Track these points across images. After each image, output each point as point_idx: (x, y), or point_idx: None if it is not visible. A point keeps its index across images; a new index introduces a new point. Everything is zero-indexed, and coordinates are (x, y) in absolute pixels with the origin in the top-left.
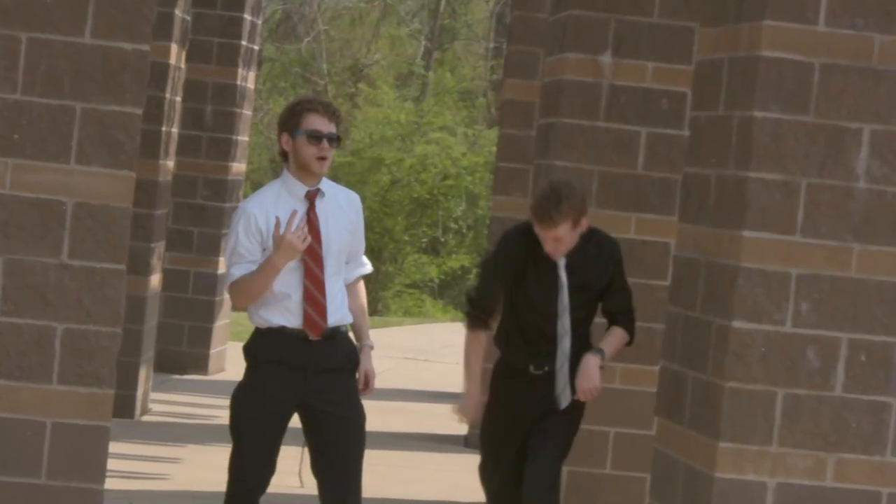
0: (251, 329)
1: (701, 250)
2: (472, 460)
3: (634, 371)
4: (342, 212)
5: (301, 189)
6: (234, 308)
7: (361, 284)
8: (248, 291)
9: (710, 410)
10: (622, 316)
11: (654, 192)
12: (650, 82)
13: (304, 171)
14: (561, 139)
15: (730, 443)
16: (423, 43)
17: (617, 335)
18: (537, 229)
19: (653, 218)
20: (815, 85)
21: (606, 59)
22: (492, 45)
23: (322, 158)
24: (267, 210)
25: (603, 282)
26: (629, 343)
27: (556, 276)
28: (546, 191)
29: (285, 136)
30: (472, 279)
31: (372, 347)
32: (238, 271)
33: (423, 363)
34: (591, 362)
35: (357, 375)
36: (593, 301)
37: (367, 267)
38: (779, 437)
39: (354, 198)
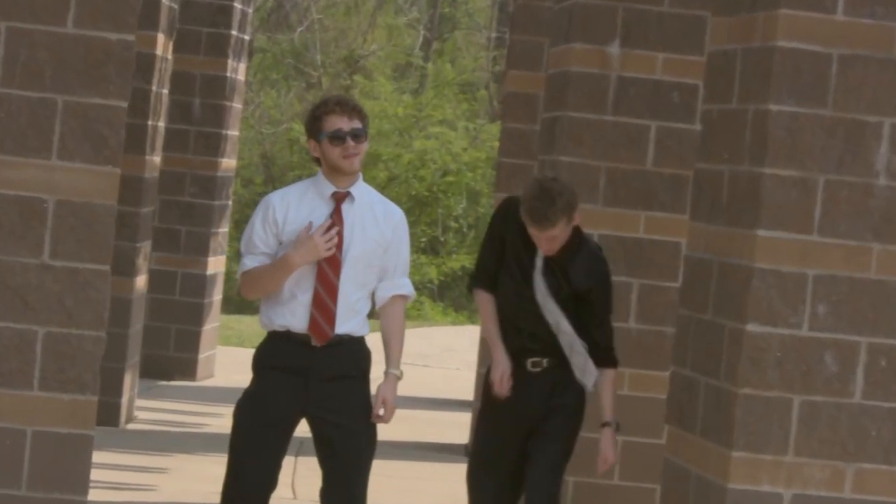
0: (242, 333)
1: (713, 250)
2: None
3: (644, 377)
4: (374, 222)
5: (329, 189)
6: (241, 294)
7: (399, 307)
8: (259, 284)
9: (722, 418)
10: (608, 353)
11: (664, 190)
12: (660, 74)
13: (336, 173)
14: (566, 134)
15: (744, 452)
16: (422, 32)
17: (611, 383)
18: (531, 231)
19: (663, 216)
20: (832, 77)
21: (614, 49)
22: (494, 34)
23: (349, 156)
24: (289, 204)
25: (580, 290)
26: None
27: (532, 263)
28: (535, 191)
29: (312, 143)
30: None
31: (398, 377)
32: (251, 262)
33: (422, 369)
34: (613, 440)
35: (374, 397)
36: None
37: (406, 289)
38: (795, 446)
39: (396, 213)
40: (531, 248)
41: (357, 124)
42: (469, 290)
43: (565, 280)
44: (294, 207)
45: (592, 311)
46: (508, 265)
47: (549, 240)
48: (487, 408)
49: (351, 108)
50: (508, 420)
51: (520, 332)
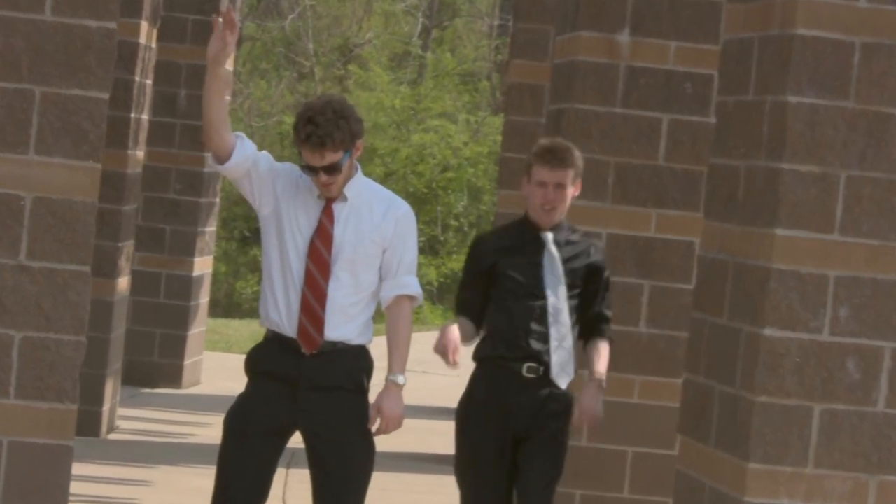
0: (230, 338)
1: (728, 250)
2: None
3: (655, 384)
4: (371, 220)
5: (316, 189)
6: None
7: (404, 309)
8: (203, 107)
9: (738, 428)
10: (606, 324)
11: (677, 186)
12: (672, 64)
13: None
14: (573, 127)
15: (760, 464)
16: (421, 20)
17: (605, 349)
18: (540, 174)
19: (675, 214)
20: (855, 66)
21: (624, 37)
22: (496, 22)
23: (325, 185)
24: (293, 177)
25: (591, 260)
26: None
27: (542, 252)
28: (551, 138)
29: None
30: None
31: (398, 384)
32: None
33: (420, 375)
34: (597, 391)
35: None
36: (581, 280)
37: (410, 288)
38: (815, 457)
39: (400, 209)
40: (539, 242)
41: (332, 158)
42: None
43: (576, 256)
44: (292, 193)
45: (598, 289)
46: (506, 275)
47: (555, 187)
48: (473, 405)
49: (320, 144)
50: (497, 422)
51: (518, 336)
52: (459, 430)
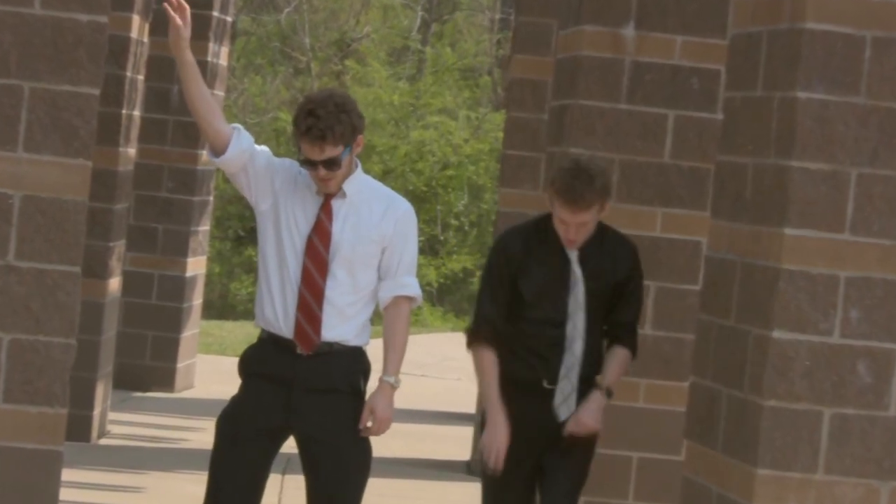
0: (224, 340)
1: (736, 250)
2: (476, 489)
3: (661, 388)
4: (370, 218)
5: (315, 185)
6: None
7: (402, 310)
8: (184, 91)
9: (746, 433)
10: (626, 330)
11: (683, 184)
12: (678, 59)
13: None
14: (577, 124)
15: (769, 469)
16: (420, 13)
17: (622, 359)
18: (561, 213)
19: (681, 213)
20: (866, 61)
21: (629, 31)
22: (498, 15)
23: (323, 181)
24: (292, 173)
25: (617, 279)
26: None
27: (567, 272)
28: (573, 169)
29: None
30: (474, 284)
31: (393, 386)
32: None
33: (420, 379)
34: (598, 402)
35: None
36: (606, 303)
37: (409, 289)
38: (825, 463)
39: (400, 207)
40: (564, 258)
41: (332, 153)
42: (468, 342)
43: (601, 276)
44: (290, 189)
45: (626, 297)
46: (526, 288)
47: (578, 226)
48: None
49: (321, 137)
50: (518, 445)
51: (536, 355)
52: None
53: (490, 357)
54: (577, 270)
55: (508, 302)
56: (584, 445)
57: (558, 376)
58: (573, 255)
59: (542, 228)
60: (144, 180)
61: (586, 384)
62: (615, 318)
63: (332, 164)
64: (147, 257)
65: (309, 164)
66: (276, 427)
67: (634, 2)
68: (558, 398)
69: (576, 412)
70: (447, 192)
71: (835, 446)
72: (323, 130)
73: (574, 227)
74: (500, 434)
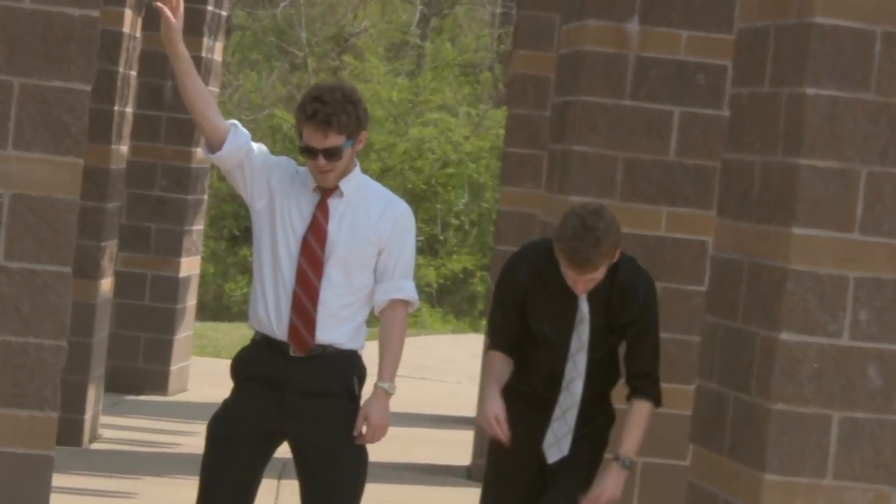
0: (218, 342)
1: (743, 250)
2: (477, 494)
3: (666, 391)
4: (368, 219)
5: (312, 181)
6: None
7: (399, 313)
8: (178, 84)
9: (754, 437)
10: (647, 381)
11: (689, 183)
12: (684, 54)
13: None
14: (580, 120)
15: (777, 475)
16: (419, 8)
17: (642, 416)
18: (569, 272)
19: (687, 212)
20: (876, 57)
21: (633, 26)
22: (499, 10)
23: (322, 172)
24: (289, 171)
25: (628, 318)
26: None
27: (573, 308)
28: (577, 228)
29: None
30: (475, 284)
31: (388, 392)
32: (237, 127)
33: (419, 382)
34: (618, 478)
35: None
36: (614, 341)
37: (406, 293)
38: (834, 468)
39: (398, 208)
40: (571, 293)
41: (335, 142)
42: (485, 353)
43: (611, 317)
44: (287, 187)
45: (640, 340)
46: (532, 316)
47: (586, 282)
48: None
49: (327, 123)
50: (521, 448)
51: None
52: (489, 450)
53: (500, 356)
54: (583, 308)
55: (520, 318)
56: (591, 450)
57: (551, 416)
58: (582, 296)
59: (553, 259)
60: (137, 178)
61: (590, 426)
62: (632, 368)
63: (333, 154)
64: (140, 257)
65: (309, 152)
66: (269, 430)
67: None
68: (549, 440)
69: (593, 488)
70: (447, 190)
71: (844, 451)
72: (329, 115)
73: (581, 282)
74: (493, 403)
